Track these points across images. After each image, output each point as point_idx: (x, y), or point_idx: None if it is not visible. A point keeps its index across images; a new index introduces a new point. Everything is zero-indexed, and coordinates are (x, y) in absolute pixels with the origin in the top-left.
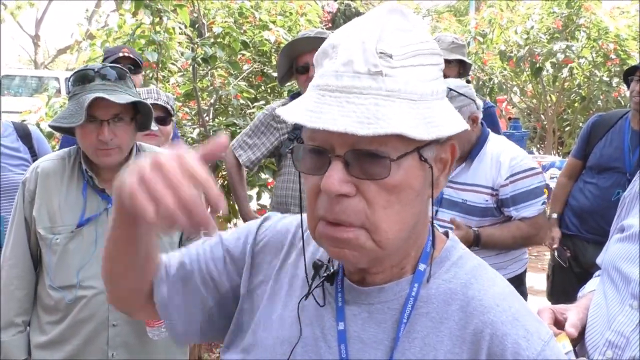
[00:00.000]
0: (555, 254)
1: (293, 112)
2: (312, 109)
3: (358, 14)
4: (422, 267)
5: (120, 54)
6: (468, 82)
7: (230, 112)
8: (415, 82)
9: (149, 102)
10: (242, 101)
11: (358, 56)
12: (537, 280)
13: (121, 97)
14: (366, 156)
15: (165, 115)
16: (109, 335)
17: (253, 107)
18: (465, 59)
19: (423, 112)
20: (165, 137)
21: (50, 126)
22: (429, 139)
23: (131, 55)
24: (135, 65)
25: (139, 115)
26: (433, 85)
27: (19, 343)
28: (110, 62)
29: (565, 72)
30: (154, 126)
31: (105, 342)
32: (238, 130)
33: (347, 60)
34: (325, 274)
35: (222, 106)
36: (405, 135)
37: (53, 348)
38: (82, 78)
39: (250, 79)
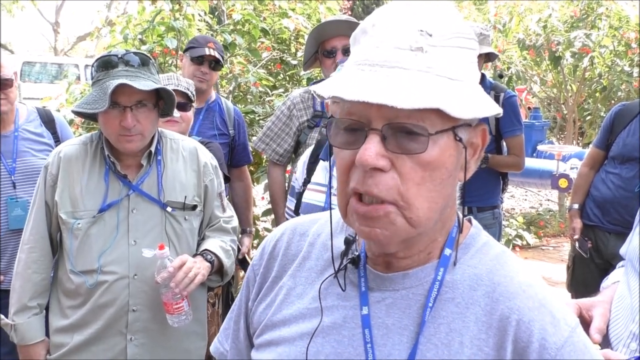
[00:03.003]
0: (576, 244)
1: (330, 86)
2: (350, 83)
3: (376, 1)
4: (447, 252)
5: (206, 50)
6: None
7: (249, 100)
8: (454, 62)
9: (169, 88)
10: (261, 89)
11: (399, 33)
12: (557, 271)
13: (144, 83)
14: (404, 130)
15: (185, 102)
16: (129, 320)
17: (272, 95)
18: (492, 50)
19: (460, 92)
20: (186, 123)
21: (73, 111)
22: (466, 118)
23: (214, 54)
24: (216, 62)
25: (161, 102)
26: (469, 69)
27: (35, 325)
28: (195, 57)
29: (585, 61)
30: (175, 113)
31: (125, 326)
32: (257, 118)
33: (387, 36)
34: (350, 257)
35: (241, 94)
36: (443, 112)
37: (73, 331)
38: (106, 64)
39: (270, 67)
